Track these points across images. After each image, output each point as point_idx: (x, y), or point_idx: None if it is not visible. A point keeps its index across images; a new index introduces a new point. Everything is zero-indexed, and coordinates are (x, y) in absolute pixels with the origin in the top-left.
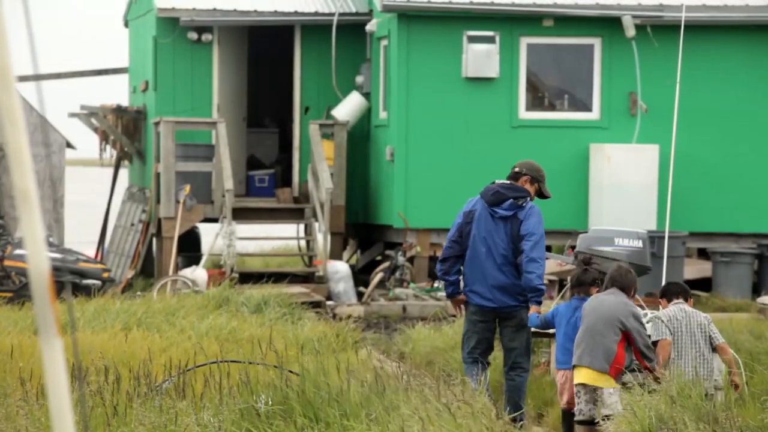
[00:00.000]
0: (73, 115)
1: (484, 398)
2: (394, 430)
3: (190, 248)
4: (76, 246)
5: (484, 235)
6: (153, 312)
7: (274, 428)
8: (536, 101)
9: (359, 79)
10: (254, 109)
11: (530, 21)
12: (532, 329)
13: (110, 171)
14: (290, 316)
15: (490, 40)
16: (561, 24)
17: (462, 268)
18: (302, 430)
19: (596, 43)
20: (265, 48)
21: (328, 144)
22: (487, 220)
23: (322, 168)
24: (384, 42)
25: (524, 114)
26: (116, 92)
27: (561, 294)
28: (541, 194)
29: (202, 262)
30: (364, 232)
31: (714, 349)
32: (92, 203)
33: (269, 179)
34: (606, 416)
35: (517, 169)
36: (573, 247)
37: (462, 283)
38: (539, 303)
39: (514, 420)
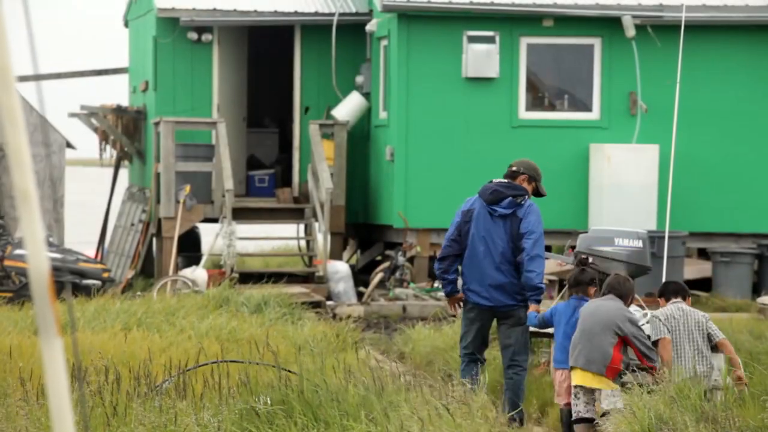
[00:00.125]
0: (73, 115)
1: (484, 398)
2: (394, 431)
3: (190, 248)
4: (76, 246)
5: (482, 234)
6: (153, 312)
7: (274, 428)
8: (536, 101)
9: (359, 79)
10: (254, 109)
11: (530, 21)
12: (531, 329)
13: (110, 171)
14: (290, 316)
15: (490, 40)
16: (561, 24)
17: (460, 266)
18: (302, 430)
19: (596, 43)
20: (265, 48)
21: (328, 144)
22: (486, 218)
23: (322, 168)
24: (384, 42)
25: (524, 114)
26: (116, 92)
27: (561, 294)
28: (538, 193)
29: (202, 262)
30: (364, 232)
31: (714, 347)
32: (92, 203)
33: (269, 179)
34: (604, 413)
35: (514, 168)
36: (573, 247)
37: (460, 282)
38: (538, 302)
39: (512, 419)
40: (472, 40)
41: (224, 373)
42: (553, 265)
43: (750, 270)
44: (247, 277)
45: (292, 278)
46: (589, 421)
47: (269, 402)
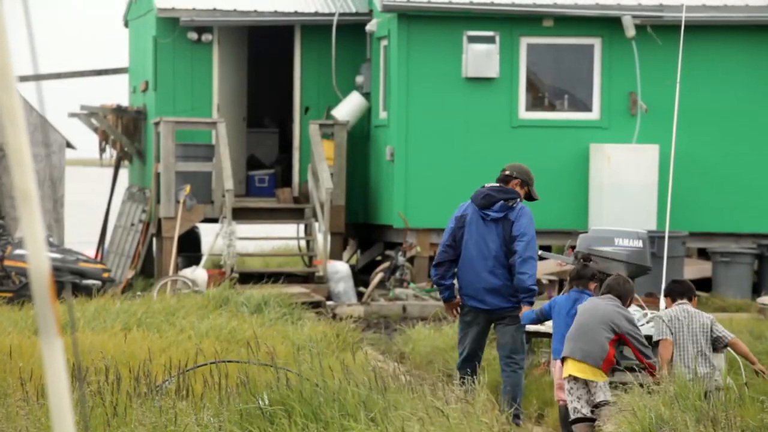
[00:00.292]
0: (73, 115)
1: (484, 398)
2: (394, 430)
3: (190, 248)
4: (76, 246)
5: (476, 239)
6: (153, 312)
7: (275, 428)
8: (536, 101)
9: (359, 79)
10: (254, 109)
11: (530, 21)
12: (531, 328)
13: (110, 171)
14: (290, 316)
15: (490, 40)
16: (561, 24)
17: (456, 271)
18: (302, 430)
19: (596, 43)
20: (265, 48)
21: (328, 144)
22: (478, 223)
23: (322, 168)
24: (384, 42)
25: (524, 114)
26: (116, 92)
27: (561, 293)
28: (530, 197)
29: (202, 262)
30: (364, 232)
31: (716, 348)
32: (92, 203)
33: (269, 179)
34: (597, 405)
35: (507, 172)
36: (573, 247)
37: (457, 286)
38: (531, 303)
39: (515, 417)
40: (472, 40)
41: (224, 373)
42: (553, 265)
43: (750, 270)
44: (247, 277)
45: (292, 278)
46: (590, 420)
47: (268, 402)
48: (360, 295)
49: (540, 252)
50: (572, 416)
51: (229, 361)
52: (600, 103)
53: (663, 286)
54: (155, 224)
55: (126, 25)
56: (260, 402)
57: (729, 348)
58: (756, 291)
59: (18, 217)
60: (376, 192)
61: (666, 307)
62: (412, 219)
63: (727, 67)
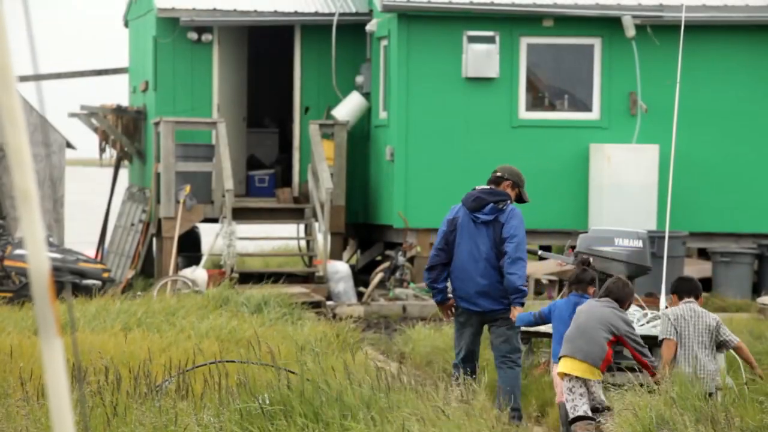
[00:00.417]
0: (73, 115)
1: (484, 398)
2: (394, 431)
3: (190, 248)
4: (76, 246)
5: (468, 242)
6: (153, 312)
7: (275, 428)
8: (536, 101)
9: (359, 79)
10: (254, 109)
11: (530, 21)
12: (531, 329)
13: (110, 171)
14: (290, 316)
15: (490, 40)
16: (561, 24)
17: (449, 274)
18: (302, 430)
19: (596, 43)
20: (265, 48)
21: (328, 144)
22: (469, 226)
23: (322, 168)
24: (384, 42)
25: (524, 114)
26: (116, 92)
27: (560, 294)
28: (521, 198)
29: (202, 262)
30: (364, 232)
31: (720, 349)
32: (92, 203)
33: (269, 179)
34: (596, 409)
35: (499, 174)
36: (573, 247)
37: (450, 289)
38: (522, 304)
39: (514, 413)
40: (472, 40)
41: (224, 373)
42: (553, 265)
43: (750, 270)
44: (247, 277)
45: (292, 278)
46: (589, 419)
47: (268, 402)
48: (360, 295)
49: (540, 252)
50: (571, 415)
51: (229, 361)
52: (600, 103)
53: (663, 286)
54: (155, 224)
55: (126, 25)
56: (260, 402)
57: (733, 351)
58: (756, 291)
59: (18, 217)
60: (376, 192)
61: (672, 305)
62: (412, 219)
63: (727, 67)
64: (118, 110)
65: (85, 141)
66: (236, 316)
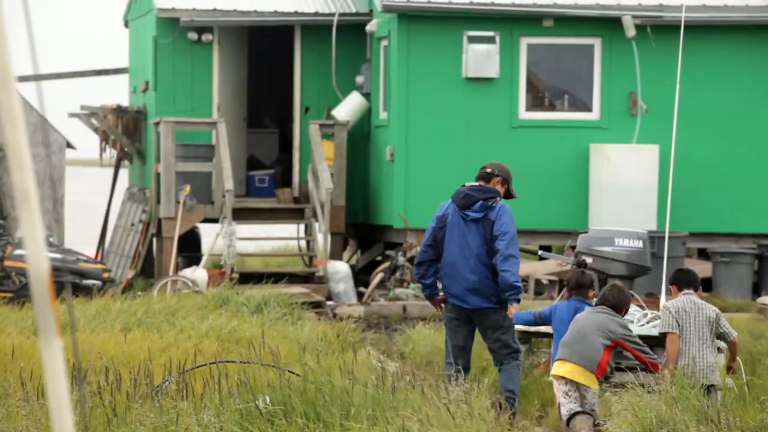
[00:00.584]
0: (73, 115)
1: (485, 399)
2: (394, 431)
3: (190, 248)
4: (76, 246)
5: (457, 239)
6: (153, 312)
7: (275, 428)
8: (536, 101)
9: (359, 79)
10: (254, 109)
11: (530, 21)
12: (533, 329)
13: (110, 171)
14: (290, 316)
15: (490, 40)
16: (561, 24)
17: (438, 270)
18: (302, 431)
19: (596, 43)
20: (265, 48)
21: (328, 144)
22: (459, 223)
23: (322, 168)
24: (384, 42)
25: (524, 114)
26: (116, 92)
27: (560, 295)
28: (509, 194)
29: (203, 262)
30: (364, 232)
31: (719, 340)
32: (92, 203)
33: (269, 179)
34: (581, 413)
35: (489, 170)
36: (573, 247)
37: (440, 285)
38: (518, 301)
39: (510, 401)
40: (472, 40)
41: (224, 373)
42: (553, 265)
43: (750, 270)
44: (247, 277)
45: (293, 278)
46: (585, 414)
47: (270, 402)
48: (360, 295)
49: (540, 252)
50: (568, 414)
51: (229, 362)
52: (600, 103)
53: (663, 286)
54: (155, 224)
55: (126, 25)
56: (260, 402)
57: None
58: (756, 291)
59: (18, 217)
60: (376, 192)
61: (671, 296)
62: (412, 219)
63: (727, 67)
64: (118, 110)
65: (85, 141)
66: (236, 316)
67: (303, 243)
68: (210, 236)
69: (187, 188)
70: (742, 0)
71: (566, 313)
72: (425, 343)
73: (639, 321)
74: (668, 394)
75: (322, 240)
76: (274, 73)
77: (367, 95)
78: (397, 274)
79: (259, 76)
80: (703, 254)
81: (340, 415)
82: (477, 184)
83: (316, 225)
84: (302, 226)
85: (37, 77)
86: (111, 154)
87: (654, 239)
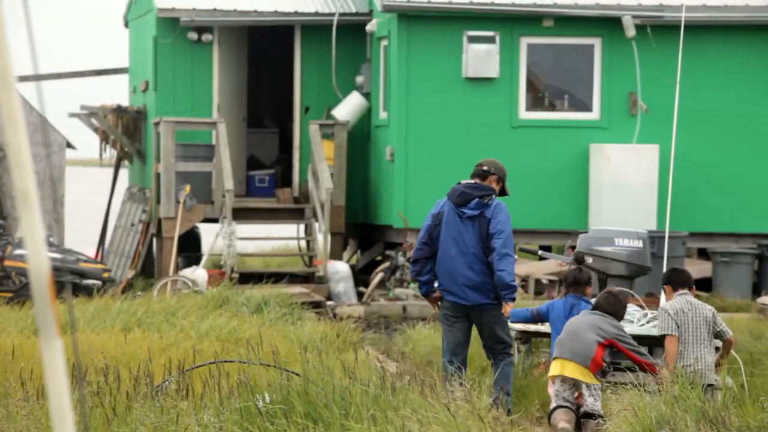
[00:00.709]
0: (73, 115)
1: (486, 399)
2: (395, 430)
3: (190, 248)
4: (76, 246)
5: (453, 236)
6: (153, 312)
7: (275, 428)
8: (536, 101)
9: (359, 79)
10: (254, 109)
11: (530, 21)
12: (533, 329)
13: (110, 171)
14: (290, 316)
15: (490, 40)
16: (561, 24)
17: (434, 267)
18: (303, 431)
19: (596, 43)
20: (265, 48)
21: (328, 144)
22: (455, 220)
23: (322, 168)
24: (384, 42)
25: (524, 114)
26: (116, 92)
27: (559, 295)
28: (503, 192)
29: (203, 262)
30: (364, 232)
31: (716, 339)
32: (92, 203)
33: (269, 179)
34: (586, 415)
35: (485, 168)
36: (573, 247)
37: (436, 282)
38: (513, 299)
39: (504, 394)
40: (472, 40)
41: (224, 373)
42: (553, 265)
43: (750, 270)
44: (247, 277)
45: (293, 278)
46: (567, 408)
47: (269, 401)
48: (360, 295)
49: (540, 252)
50: (554, 404)
51: (229, 361)
52: (600, 103)
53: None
54: (155, 224)
55: (126, 25)
56: (260, 402)
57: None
58: (756, 291)
59: (18, 217)
60: (376, 192)
61: (666, 296)
62: (412, 219)
63: (727, 67)
64: (118, 110)
65: (85, 141)
66: (236, 316)
67: (303, 243)
68: (210, 236)
69: (187, 188)
70: (742, 0)
71: (563, 310)
72: (425, 343)
73: (639, 321)
74: (668, 394)
75: (322, 240)
76: (274, 73)
77: (367, 95)
78: (397, 274)
79: (259, 76)
80: (703, 254)
81: (340, 414)
82: (473, 181)
83: (316, 225)
84: (302, 226)
85: (37, 77)
86: (111, 154)
87: (654, 239)
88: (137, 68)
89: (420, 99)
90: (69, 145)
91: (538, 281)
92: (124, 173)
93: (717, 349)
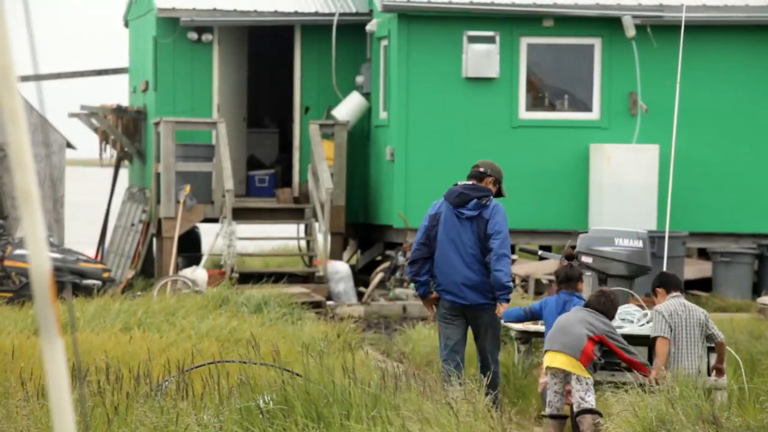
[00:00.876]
0: (73, 115)
1: (485, 399)
2: (395, 430)
3: (190, 248)
4: (76, 246)
5: (451, 237)
6: (153, 312)
7: (275, 428)
8: (536, 101)
9: (359, 79)
10: (254, 109)
11: (530, 21)
12: (533, 329)
13: (110, 171)
14: (290, 316)
15: (490, 40)
16: (561, 24)
17: (432, 268)
18: (303, 430)
19: (596, 43)
20: (265, 48)
21: (328, 144)
22: (453, 221)
23: (322, 168)
24: (384, 42)
25: (524, 114)
26: (116, 92)
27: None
28: (500, 193)
29: (202, 262)
30: (364, 232)
31: (707, 342)
32: (92, 203)
33: (269, 179)
34: (582, 411)
35: (482, 170)
36: (573, 247)
37: (434, 283)
38: (507, 300)
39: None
40: (472, 40)
41: (224, 373)
42: (553, 265)
43: (750, 270)
44: (247, 277)
45: (293, 278)
46: (560, 417)
47: (270, 401)
48: (360, 295)
49: (540, 252)
50: (546, 410)
51: (229, 361)
52: (600, 103)
53: None
54: (155, 224)
55: (126, 25)
56: (261, 402)
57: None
58: (756, 291)
59: (19, 217)
60: (376, 192)
61: (660, 298)
62: (412, 219)
63: (727, 67)
64: (118, 110)
65: (85, 141)
66: (236, 316)
67: (303, 243)
68: (210, 236)
69: (187, 188)
70: (742, 0)
71: (556, 307)
72: (425, 343)
73: (639, 321)
74: (669, 394)
75: (322, 240)
76: (274, 73)
77: (367, 95)
78: (397, 274)
79: (259, 76)
80: (703, 254)
81: (341, 414)
82: (470, 183)
83: (316, 225)
84: (302, 226)
85: (37, 77)
86: (111, 154)
87: (654, 239)
88: (137, 68)
89: (420, 99)
90: (69, 145)
91: (538, 281)
92: (124, 173)
93: (711, 349)
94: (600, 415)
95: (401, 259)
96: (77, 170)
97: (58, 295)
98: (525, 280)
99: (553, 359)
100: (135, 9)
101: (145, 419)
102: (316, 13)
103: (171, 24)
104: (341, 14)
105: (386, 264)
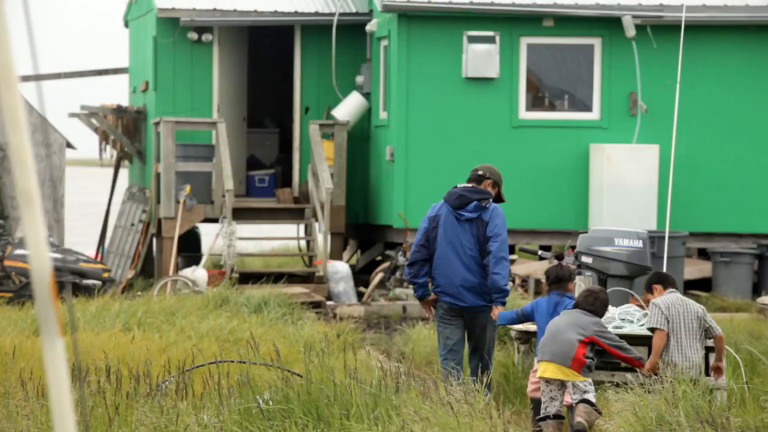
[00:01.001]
0: (73, 115)
1: (485, 399)
2: (395, 430)
3: (190, 248)
4: (76, 246)
5: (451, 238)
6: (153, 312)
7: (275, 428)
8: (536, 101)
9: (359, 79)
10: (254, 109)
11: (530, 21)
12: (532, 329)
13: (110, 171)
14: (290, 316)
15: (490, 40)
16: (561, 24)
17: (431, 270)
18: (303, 430)
19: (596, 43)
20: (265, 48)
21: (328, 144)
22: (452, 223)
23: (322, 168)
24: (384, 42)
25: (524, 114)
26: (116, 92)
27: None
28: (499, 198)
29: (203, 262)
30: (364, 232)
31: (710, 338)
32: (92, 203)
33: (269, 179)
34: (582, 401)
35: (480, 173)
36: (573, 247)
37: (432, 285)
38: (503, 303)
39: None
40: (472, 40)
41: (224, 373)
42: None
43: (750, 270)
44: (247, 277)
45: (293, 278)
46: (558, 418)
47: (270, 402)
48: (360, 295)
49: (540, 252)
50: (542, 413)
51: (229, 361)
52: (600, 103)
53: None
54: (155, 224)
55: (126, 25)
56: (261, 402)
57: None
58: (756, 291)
59: (20, 217)
60: (376, 192)
61: (656, 294)
62: (412, 219)
63: (728, 67)
64: (118, 110)
65: (85, 141)
66: (236, 316)
67: (303, 243)
68: (210, 236)
69: (187, 188)
70: (742, 0)
71: (547, 308)
72: (425, 343)
73: (639, 321)
74: (669, 394)
75: (322, 240)
76: (274, 73)
77: (367, 95)
78: (397, 274)
79: (259, 76)
80: (703, 254)
81: (341, 414)
82: (470, 185)
83: (316, 225)
84: (302, 226)
85: (37, 77)
86: (111, 154)
87: (654, 239)
88: (137, 68)
89: (420, 99)
90: (69, 145)
91: (538, 281)
92: (124, 173)
93: (710, 349)
94: (599, 413)
95: (401, 259)
96: (77, 170)
97: (59, 296)
98: (525, 280)
99: (545, 370)
100: (135, 9)
101: (146, 419)
102: (316, 13)
103: (171, 24)
104: (341, 14)
105: (386, 264)
